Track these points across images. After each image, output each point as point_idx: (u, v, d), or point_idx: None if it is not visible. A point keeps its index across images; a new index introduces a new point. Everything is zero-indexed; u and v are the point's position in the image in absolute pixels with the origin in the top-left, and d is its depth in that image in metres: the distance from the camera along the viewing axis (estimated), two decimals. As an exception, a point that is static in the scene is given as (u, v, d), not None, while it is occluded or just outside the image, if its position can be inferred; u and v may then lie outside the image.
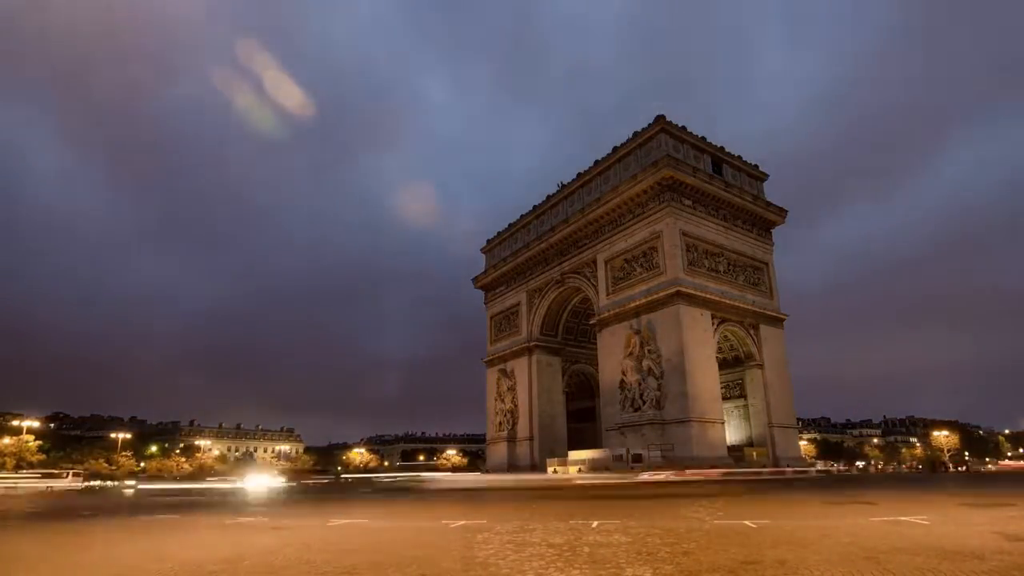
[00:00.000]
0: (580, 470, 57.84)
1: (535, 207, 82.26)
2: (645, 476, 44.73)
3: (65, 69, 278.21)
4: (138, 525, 17.18)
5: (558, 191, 77.51)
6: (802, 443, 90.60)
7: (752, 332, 62.71)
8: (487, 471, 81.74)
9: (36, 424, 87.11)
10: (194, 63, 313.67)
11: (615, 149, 67.76)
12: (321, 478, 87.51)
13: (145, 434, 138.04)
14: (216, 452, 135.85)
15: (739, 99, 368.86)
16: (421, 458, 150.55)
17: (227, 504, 28.29)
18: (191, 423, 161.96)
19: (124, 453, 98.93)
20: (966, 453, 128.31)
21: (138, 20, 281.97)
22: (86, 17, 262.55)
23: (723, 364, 60.22)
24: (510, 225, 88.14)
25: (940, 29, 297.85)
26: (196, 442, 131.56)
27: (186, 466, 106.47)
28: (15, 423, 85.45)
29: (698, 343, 56.54)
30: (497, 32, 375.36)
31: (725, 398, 58.32)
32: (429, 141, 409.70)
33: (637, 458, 54.46)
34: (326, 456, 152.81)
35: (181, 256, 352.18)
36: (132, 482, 72.18)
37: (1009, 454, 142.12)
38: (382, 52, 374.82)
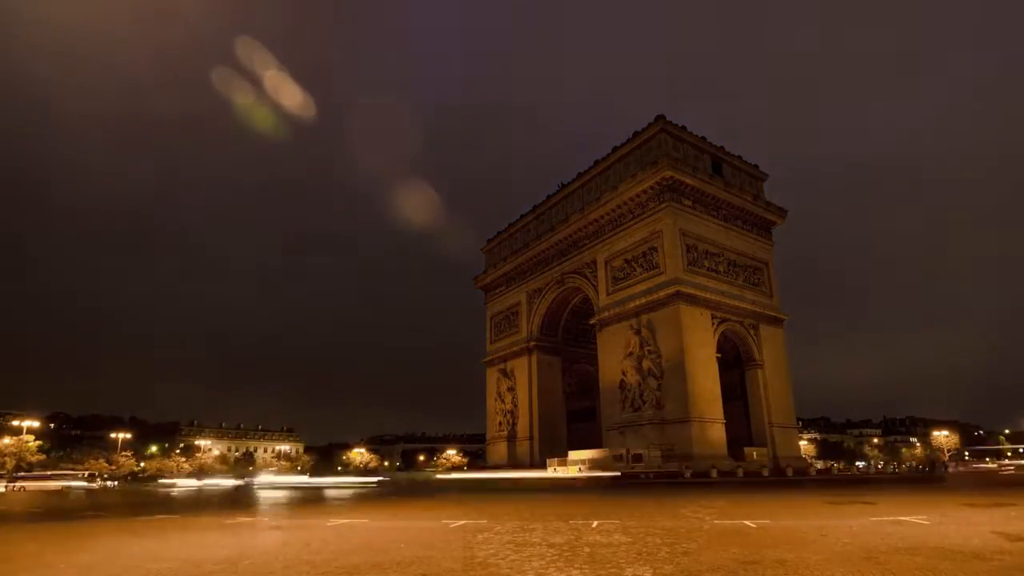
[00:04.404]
0: (580, 470, 57.81)
1: (535, 207, 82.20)
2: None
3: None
4: (138, 525, 17.17)
5: (558, 191, 77.46)
6: (802, 443, 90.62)
7: (752, 332, 62.69)
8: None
9: (36, 424, 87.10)
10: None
11: (615, 149, 67.73)
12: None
13: (145, 434, 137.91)
14: (216, 452, 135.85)
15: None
16: (421, 458, 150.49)
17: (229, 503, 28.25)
18: (191, 423, 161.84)
19: (124, 453, 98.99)
20: (966, 453, 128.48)
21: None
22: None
23: (723, 364, 60.26)
24: (510, 225, 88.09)
25: None
26: (196, 442, 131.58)
27: (186, 466, 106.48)
28: (15, 423, 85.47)
29: (698, 343, 56.52)
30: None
31: (725, 398, 58.34)
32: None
33: (637, 458, 54.45)
34: (326, 456, 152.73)
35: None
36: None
37: (1008, 454, 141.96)
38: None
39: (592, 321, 67.63)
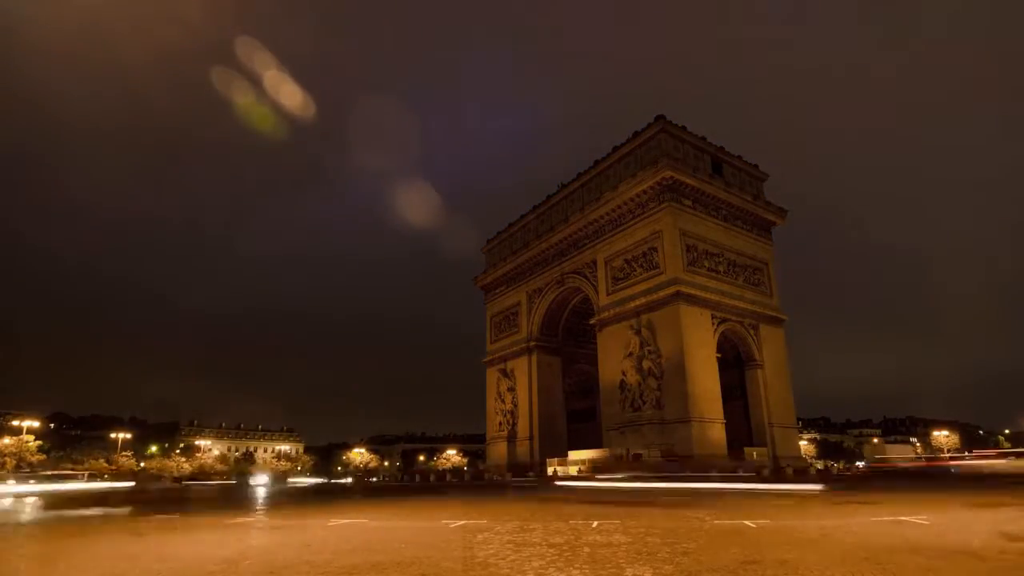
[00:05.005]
0: (580, 470, 57.83)
1: (535, 207, 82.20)
2: None
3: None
4: (139, 525, 17.18)
5: (558, 191, 77.48)
6: (802, 443, 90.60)
7: (752, 332, 62.67)
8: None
9: (36, 424, 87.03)
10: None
11: (615, 148, 67.71)
12: None
13: (145, 434, 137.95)
14: (216, 452, 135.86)
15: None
16: (421, 458, 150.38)
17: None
18: (191, 423, 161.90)
19: (124, 453, 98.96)
20: (966, 453, 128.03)
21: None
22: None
23: (723, 364, 60.23)
24: (510, 225, 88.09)
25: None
26: (196, 442, 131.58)
27: (186, 466, 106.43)
28: (15, 423, 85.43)
29: (698, 343, 56.51)
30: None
31: (725, 398, 58.28)
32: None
33: (637, 458, 54.47)
34: (327, 456, 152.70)
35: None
36: None
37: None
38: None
39: (592, 321, 67.61)
